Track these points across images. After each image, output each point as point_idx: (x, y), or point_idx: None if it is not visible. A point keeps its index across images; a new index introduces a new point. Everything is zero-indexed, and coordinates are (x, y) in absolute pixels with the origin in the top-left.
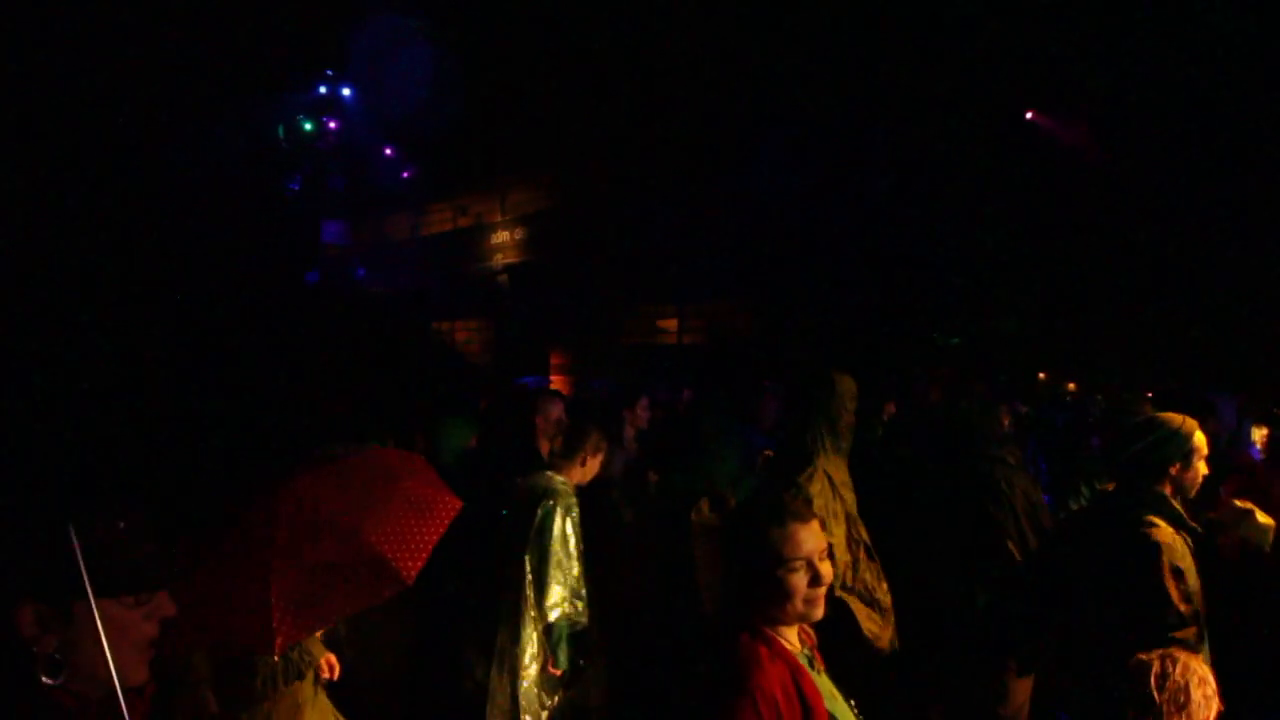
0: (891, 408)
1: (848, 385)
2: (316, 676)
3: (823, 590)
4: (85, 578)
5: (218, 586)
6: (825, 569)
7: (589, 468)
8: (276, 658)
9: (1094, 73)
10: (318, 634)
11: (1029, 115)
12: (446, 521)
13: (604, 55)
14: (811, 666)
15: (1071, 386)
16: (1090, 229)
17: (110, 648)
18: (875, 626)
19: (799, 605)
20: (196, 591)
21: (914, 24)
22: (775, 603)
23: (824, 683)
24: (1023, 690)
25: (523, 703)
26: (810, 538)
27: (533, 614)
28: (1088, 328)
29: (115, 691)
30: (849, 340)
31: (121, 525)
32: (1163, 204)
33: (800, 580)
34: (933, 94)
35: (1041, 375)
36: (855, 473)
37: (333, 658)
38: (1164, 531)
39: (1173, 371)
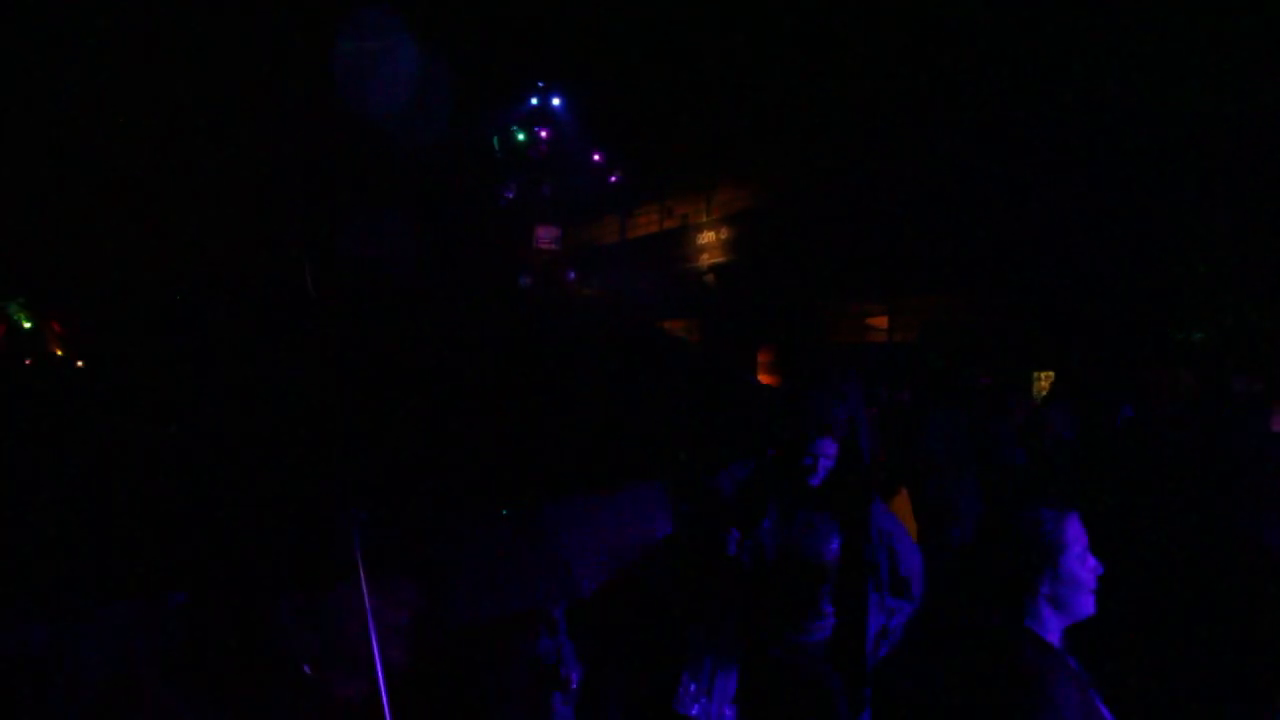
0: (1128, 411)
1: None
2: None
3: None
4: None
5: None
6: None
7: None
8: None
9: None
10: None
11: None
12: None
13: (808, 52)
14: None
15: None
16: None
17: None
18: None
19: (1084, 598)
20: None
21: None
22: (1058, 597)
23: None
24: None
25: None
26: None
27: None
28: None
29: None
30: (1077, 336)
31: (365, 516)
32: None
33: (1086, 569)
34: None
35: None
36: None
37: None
38: None
39: None
